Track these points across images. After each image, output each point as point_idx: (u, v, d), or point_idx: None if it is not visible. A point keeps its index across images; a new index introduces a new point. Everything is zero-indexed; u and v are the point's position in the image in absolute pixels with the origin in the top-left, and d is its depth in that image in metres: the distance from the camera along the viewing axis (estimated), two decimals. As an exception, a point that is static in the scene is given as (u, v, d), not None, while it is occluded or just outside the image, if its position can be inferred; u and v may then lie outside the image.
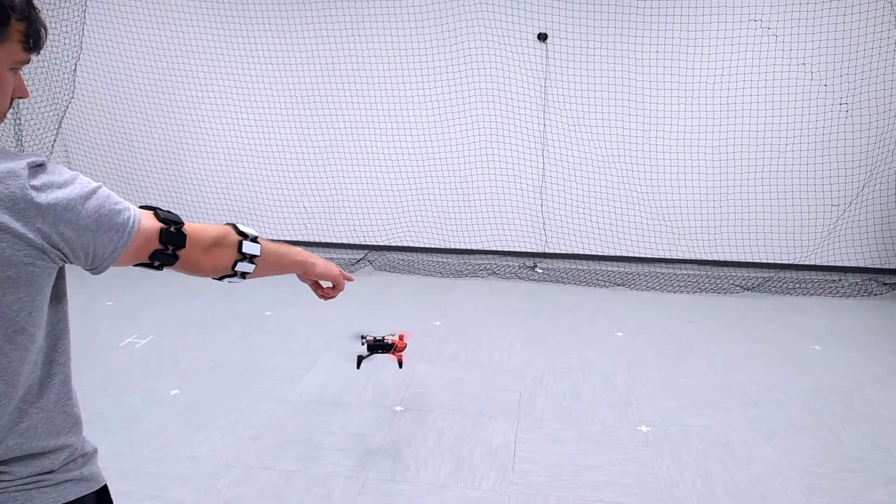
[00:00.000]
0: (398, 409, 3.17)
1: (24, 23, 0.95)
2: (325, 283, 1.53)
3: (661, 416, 3.12)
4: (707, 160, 5.41)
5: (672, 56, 5.22)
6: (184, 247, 1.09)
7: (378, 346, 2.83)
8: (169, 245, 1.08)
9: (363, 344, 2.83)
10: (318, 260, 1.45)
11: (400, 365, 2.90)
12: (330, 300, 1.60)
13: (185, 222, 1.12)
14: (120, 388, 3.36)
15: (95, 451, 1.14)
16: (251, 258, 1.21)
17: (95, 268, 1.02)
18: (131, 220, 1.02)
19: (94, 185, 1.00)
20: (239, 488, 2.54)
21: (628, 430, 2.99)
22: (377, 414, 3.11)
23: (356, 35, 5.55)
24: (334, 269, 1.49)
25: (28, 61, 0.99)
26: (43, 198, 0.92)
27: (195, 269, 1.15)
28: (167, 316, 4.37)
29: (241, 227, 1.21)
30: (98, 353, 3.78)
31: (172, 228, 1.09)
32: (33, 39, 0.98)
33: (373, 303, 4.70)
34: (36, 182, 0.92)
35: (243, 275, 1.22)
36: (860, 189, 5.22)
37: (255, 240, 1.22)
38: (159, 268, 1.11)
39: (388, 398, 3.27)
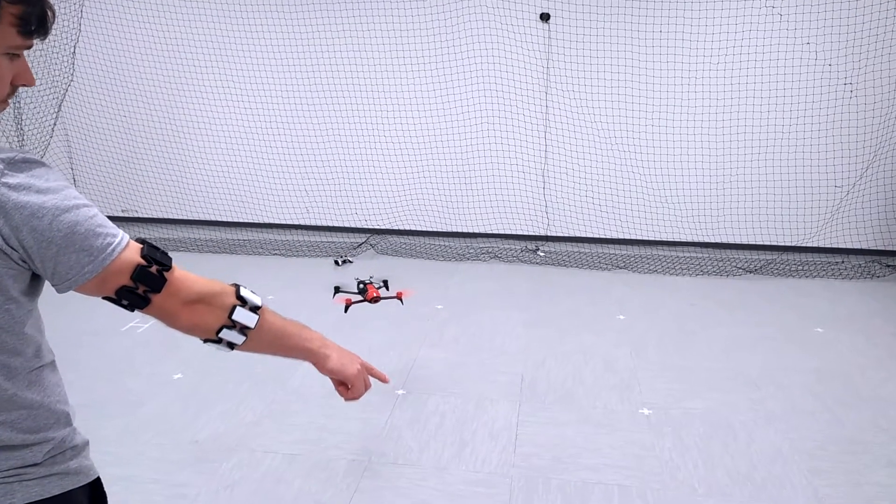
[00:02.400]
0: (400, 392, 3.17)
1: (18, 5, 0.89)
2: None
3: (663, 398, 3.12)
4: (710, 141, 5.37)
5: (675, 36, 5.16)
6: (158, 292, 0.98)
7: (360, 292, 2.95)
8: (140, 285, 0.97)
9: (359, 286, 2.96)
10: (335, 352, 1.24)
11: (401, 301, 3.05)
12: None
13: (173, 266, 1.01)
14: (122, 372, 3.37)
15: (86, 443, 1.12)
16: (243, 328, 1.06)
17: (57, 285, 0.94)
18: (110, 248, 0.94)
19: (80, 201, 0.94)
20: (241, 472, 2.55)
21: (630, 412, 3.00)
22: (379, 398, 3.11)
23: (358, 16, 5.49)
24: (351, 366, 1.26)
25: (27, 46, 0.93)
26: (13, 197, 0.87)
27: (171, 322, 1.02)
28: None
29: (244, 292, 1.08)
30: (100, 337, 3.79)
31: (153, 269, 0.98)
32: (33, 23, 0.91)
33: (378, 277, 4.69)
34: (11, 180, 0.88)
35: (231, 345, 1.07)
36: (864, 170, 5.19)
37: (255, 309, 1.07)
38: (129, 308, 0.99)
39: (389, 382, 3.27)
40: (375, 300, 2.94)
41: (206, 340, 1.07)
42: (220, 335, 1.05)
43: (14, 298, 0.94)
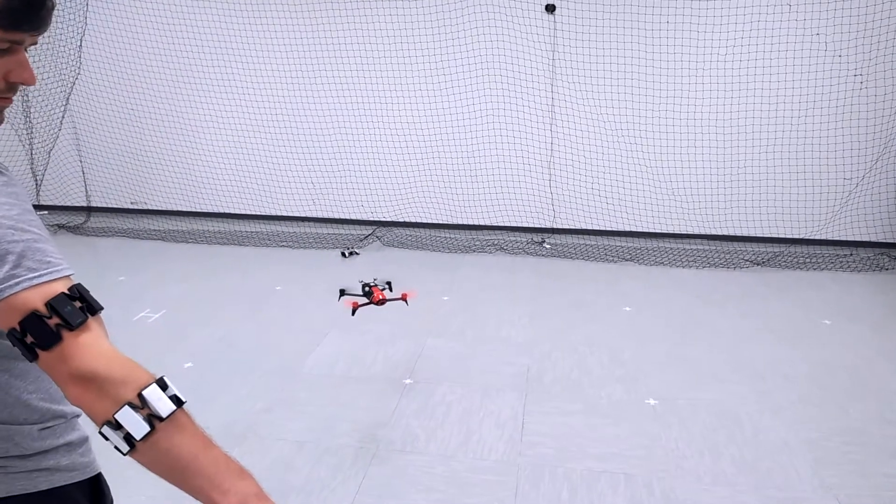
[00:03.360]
0: (407, 382, 3.19)
1: None
2: None
3: (669, 389, 3.13)
4: (718, 133, 5.35)
5: (682, 26, 5.14)
6: (46, 350, 0.81)
7: (366, 295, 2.99)
8: (28, 335, 0.81)
9: (364, 288, 3.01)
10: None
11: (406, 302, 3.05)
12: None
13: (85, 327, 0.84)
14: (132, 361, 3.40)
15: (85, 439, 1.08)
16: (127, 437, 0.81)
17: None
18: (12, 281, 0.81)
19: (12, 223, 0.83)
20: (251, 458, 2.57)
21: (636, 403, 3.01)
22: (386, 387, 3.14)
23: (363, 9, 5.49)
24: None
25: (17, 41, 0.85)
26: None
27: (59, 387, 0.84)
28: (178, 291, 4.41)
29: (149, 392, 0.83)
30: (111, 327, 3.77)
31: (52, 321, 0.81)
32: (16, 17, 0.82)
33: (381, 277, 4.71)
34: None
35: (118, 448, 0.83)
36: (874, 162, 5.16)
37: (153, 418, 0.82)
38: (24, 354, 0.83)
39: (396, 372, 3.30)
40: (381, 303, 2.98)
41: (98, 431, 0.84)
42: (103, 431, 0.82)
43: None
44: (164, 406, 0.83)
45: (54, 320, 0.82)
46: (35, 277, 0.82)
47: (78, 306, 0.85)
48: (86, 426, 1.12)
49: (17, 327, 0.81)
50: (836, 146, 5.19)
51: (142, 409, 0.82)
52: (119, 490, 1.20)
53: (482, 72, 5.49)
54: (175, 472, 0.83)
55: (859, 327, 3.85)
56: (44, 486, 1.00)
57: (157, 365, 3.34)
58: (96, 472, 1.09)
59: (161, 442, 0.82)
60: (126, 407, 0.81)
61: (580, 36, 5.28)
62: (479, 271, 4.89)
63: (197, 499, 0.84)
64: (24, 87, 0.92)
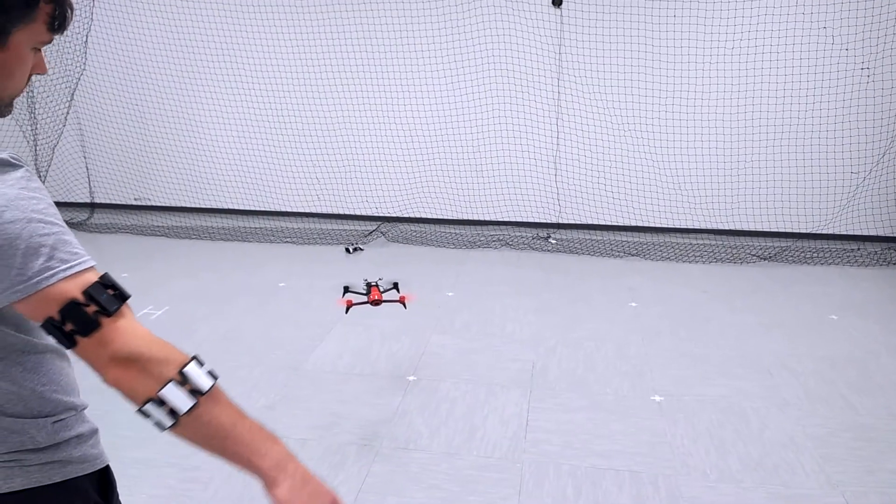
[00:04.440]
0: (411, 378, 3.18)
1: (52, 5, 0.93)
2: None
3: (675, 385, 3.11)
4: (724, 127, 5.31)
5: (689, 21, 5.09)
6: (86, 336, 0.86)
7: (364, 293, 3.02)
8: (68, 323, 0.86)
9: (366, 286, 3.04)
10: (290, 480, 0.95)
11: (404, 306, 3.06)
12: None
13: (120, 313, 0.89)
14: (136, 358, 3.40)
15: (95, 432, 1.10)
16: (172, 411, 0.89)
17: None
18: (49, 272, 0.86)
19: (41, 216, 0.87)
20: (254, 456, 2.57)
21: (641, 399, 2.99)
22: (390, 383, 3.13)
23: (368, 5, 5.47)
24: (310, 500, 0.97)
25: (51, 41, 0.97)
26: None
27: (97, 373, 0.90)
28: (182, 288, 4.41)
29: (191, 370, 0.91)
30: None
31: (90, 309, 0.87)
32: (59, 21, 0.95)
33: (385, 274, 4.70)
34: None
35: (160, 424, 0.90)
36: (881, 156, 5.12)
37: (195, 392, 0.90)
38: (61, 342, 0.88)
39: (401, 368, 3.29)
40: (377, 303, 2.99)
41: (137, 410, 0.91)
42: (145, 409, 0.89)
43: None
44: (204, 381, 0.91)
45: (92, 308, 0.87)
46: (69, 268, 0.87)
47: (111, 293, 0.90)
48: (94, 419, 1.13)
49: (57, 316, 0.86)
50: (842, 140, 5.15)
51: (184, 385, 0.89)
52: (120, 489, 1.19)
53: (488, 67, 5.46)
54: (215, 441, 0.92)
55: (867, 322, 3.83)
56: (57, 479, 1.02)
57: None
58: (105, 464, 1.11)
59: (203, 415, 0.90)
60: (171, 384, 0.89)
61: (587, 30, 5.24)
62: (484, 267, 4.88)
63: (235, 463, 0.94)
64: (28, 83, 1.00)
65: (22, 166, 0.90)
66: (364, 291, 3.11)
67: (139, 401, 0.89)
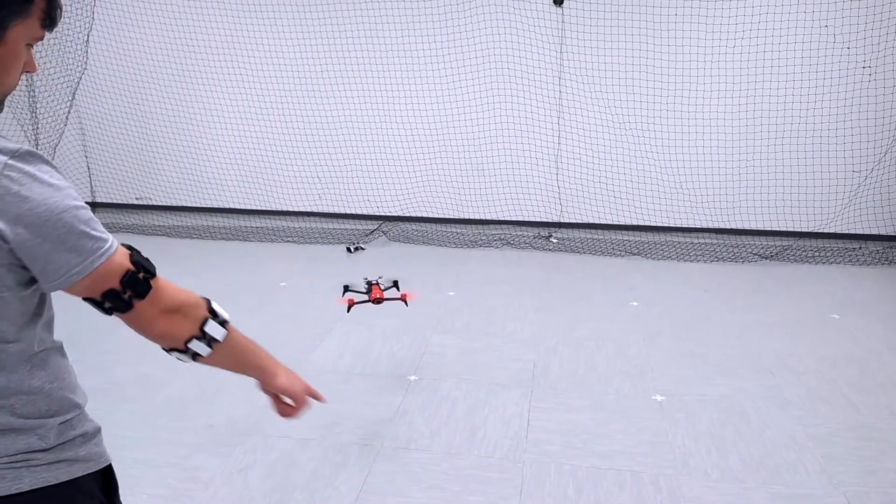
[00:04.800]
0: (412, 378, 3.18)
1: (46, 0, 0.97)
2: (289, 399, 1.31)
3: (676, 384, 3.11)
4: (726, 126, 5.31)
5: (691, 19, 5.09)
6: (143, 298, 1.01)
7: (366, 293, 3.06)
8: (128, 290, 1.00)
9: (366, 285, 3.08)
10: (283, 371, 1.26)
11: (406, 303, 3.15)
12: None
13: (157, 275, 1.05)
14: (138, 358, 3.40)
15: (98, 430, 1.12)
16: (210, 341, 1.09)
17: (45, 284, 0.96)
18: (100, 251, 0.96)
19: (79, 203, 0.95)
20: (255, 456, 2.57)
21: (643, 398, 2.99)
22: (391, 383, 3.13)
23: (369, 3, 5.47)
24: (297, 385, 1.28)
25: (43, 38, 1.00)
26: (14, 189, 0.88)
27: (146, 328, 1.05)
28: (183, 287, 4.40)
29: (215, 306, 1.12)
30: (117, 323, 3.80)
31: (141, 275, 1.01)
32: (51, 17, 0.99)
33: (387, 273, 4.70)
34: (14, 173, 0.89)
35: (195, 356, 1.10)
36: (882, 154, 5.11)
37: (224, 324, 1.11)
38: (108, 311, 1.02)
39: (402, 368, 3.28)
40: (378, 301, 3.00)
41: (170, 350, 1.10)
42: (189, 345, 1.08)
43: (9, 287, 0.94)
44: (225, 315, 1.13)
45: (142, 274, 1.01)
46: (111, 244, 0.98)
47: (145, 258, 1.04)
48: (94, 419, 1.14)
49: (118, 286, 0.99)
50: (844, 139, 5.14)
51: (216, 318, 1.10)
52: (121, 489, 1.19)
53: (489, 65, 5.46)
54: (238, 359, 1.18)
55: (868, 321, 3.82)
56: (64, 478, 1.04)
57: (163, 360, 3.33)
58: (108, 463, 1.13)
59: (230, 340, 1.12)
60: (208, 321, 1.09)
61: (588, 29, 5.24)
62: (485, 266, 4.87)
63: (246, 371, 1.20)
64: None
65: (48, 160, 0.96)
66: (365, 290, 3.11)
67: (183, 341, 1.07)
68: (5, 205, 0.88)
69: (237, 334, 1.15)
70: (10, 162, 0.89)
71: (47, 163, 0.95)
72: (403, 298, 3.03)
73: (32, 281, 0.97)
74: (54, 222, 0.91)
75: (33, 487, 1.01)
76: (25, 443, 1.00)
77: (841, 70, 5.01)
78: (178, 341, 1.07)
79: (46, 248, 0.91)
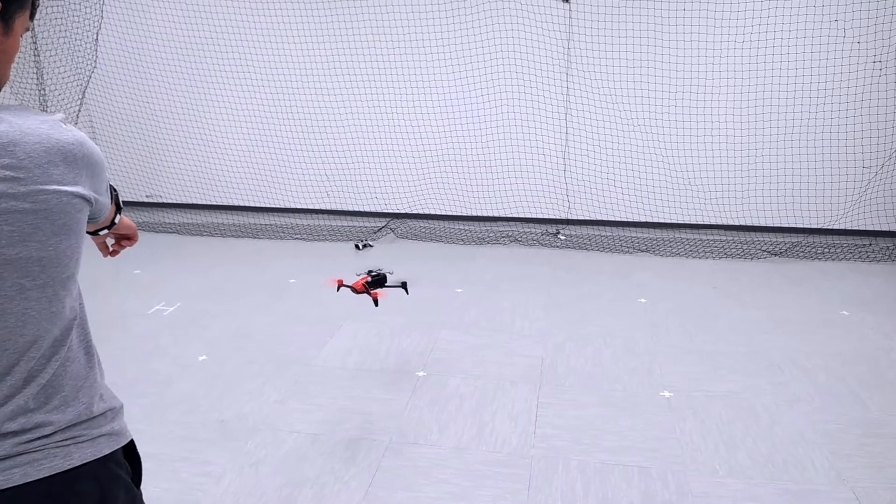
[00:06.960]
0: (420, 374, 3.20)
1: None
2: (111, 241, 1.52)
3: (684, 381, 3.11)
4: (734, 122, 5.29)
5: (699, 14, 5.07)
6: (121, 210, 1.33)
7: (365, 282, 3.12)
8: (119, 212, 1.32)
9: (369, 276, 3.14)
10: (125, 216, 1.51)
11: (375, 303, 3.15)
12: None
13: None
14: (149, 353, 3.43)
15: (122, 406, 1.16)
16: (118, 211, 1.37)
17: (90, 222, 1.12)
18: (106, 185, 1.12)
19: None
20: (265, 450, 2.59)
21: (650, 395, 2.99)
22: (400, 379, 3.14)
23: (377, 0, 5.48)
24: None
25: (29, 30, 1.06)
26: (86, 151, 0.99)
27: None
28: (193, 284, 4.44)
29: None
30: (127, 319, 3.86)
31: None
32: (35, 8, 1.04)
33: (395, 271, 4.72)
34: (72, 139, 0.98)
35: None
36: (893, 150, 5.08)
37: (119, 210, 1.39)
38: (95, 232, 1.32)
39: (410, 364, 3.30)
40: (357, 292, 3.08)
41: (94, 231, 1.37)
42: (115, 220, 1.38)
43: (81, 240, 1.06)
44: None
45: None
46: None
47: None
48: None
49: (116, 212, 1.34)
50: (854, 134, 5.11)
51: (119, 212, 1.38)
52: (134, 482, 1.21)
53: (497, 62, 5.46)
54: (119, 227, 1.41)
55: (878, 318, 3.80)
56: (105, 451, 1.06)
57: (172, 357, 3.38)
58: (131, 438, 1.16)
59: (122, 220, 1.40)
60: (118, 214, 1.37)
61: (595, 25, 5.23)
62: (493, 263, 4.88)
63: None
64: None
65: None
66: (370, 279, 3.18)
67: (110, 220, 1.34)
68: (90, 168, 1.00)
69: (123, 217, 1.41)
70: (64, 124, 0.99)
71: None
72: (374, 297, 3.10)
73: None
74: (104, 175, 1.07)
75: (83, 462, 1.03)
76: (75, 413, 1.02)
77: (851, 65, 4.98)
78: (108, 222, 1.37)
79: (104, 198, 1.08)
